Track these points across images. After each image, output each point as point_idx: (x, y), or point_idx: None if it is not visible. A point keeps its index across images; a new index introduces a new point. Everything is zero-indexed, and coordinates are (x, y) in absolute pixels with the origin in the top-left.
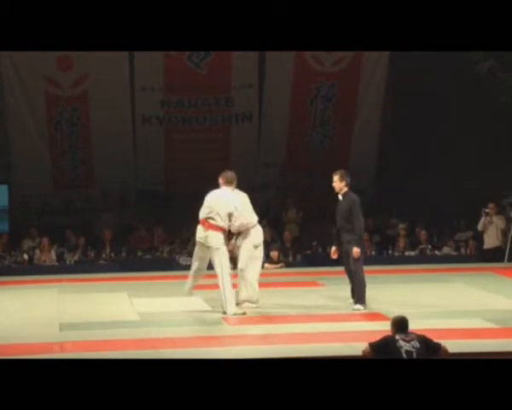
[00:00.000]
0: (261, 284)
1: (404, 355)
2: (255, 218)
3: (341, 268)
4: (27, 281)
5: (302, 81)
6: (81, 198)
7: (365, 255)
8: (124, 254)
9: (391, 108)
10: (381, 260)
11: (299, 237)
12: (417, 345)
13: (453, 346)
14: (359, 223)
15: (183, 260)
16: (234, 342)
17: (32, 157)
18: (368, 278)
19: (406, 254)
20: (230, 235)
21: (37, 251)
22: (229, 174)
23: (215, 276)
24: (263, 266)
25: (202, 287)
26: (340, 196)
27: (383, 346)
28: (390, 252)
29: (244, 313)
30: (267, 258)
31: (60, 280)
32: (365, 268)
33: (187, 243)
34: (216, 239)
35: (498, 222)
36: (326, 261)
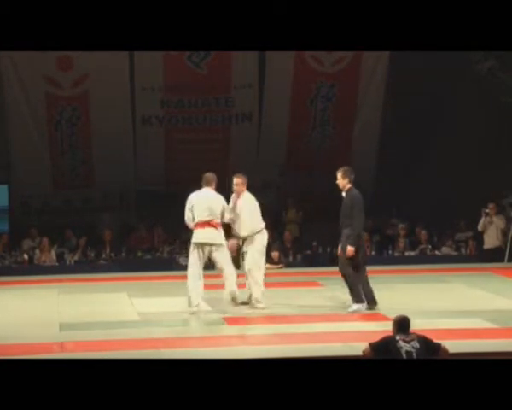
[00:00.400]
0: None
1: (404, 356)
2: (262, 224)
3: None
4: (27, 281)
5: (302, 81)
6: (81, 198)
7: (365, 255)
8: (124, 254)
9: (391, 108)
10: (381, 260)
11: (299, 237)
12: (417, 345)
13: (453, 346)
14: (359, 220)
15: (183, 260)
16: (234, 342)
17: (32, 157)
18: (368, 279)
19: (406, 254)
20: (229, 231)
21: (38, 251)
22: (209, 175)
23: (217, 275)
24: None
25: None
26: (344, 193)
27: (383, 346)
28: (390, 252)
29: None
30: (268, 258)
31: (60, 280)
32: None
33: (187, 243)
34: (221, 236)
35: (498, 222)
36: (326, 261)
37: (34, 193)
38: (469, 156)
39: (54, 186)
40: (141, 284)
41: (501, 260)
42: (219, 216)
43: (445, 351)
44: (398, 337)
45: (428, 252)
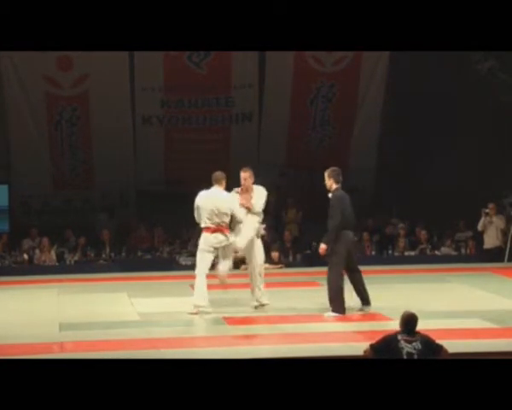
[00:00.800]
0: None
1: (405, 357)
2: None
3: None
4: (27, 281)
5: (302, 81)
6: (81, 198)
7: (365, 255)
8: (124, 254)
9: (391, 108)
10: (381, 260)
11: (299, 237)
12: (419, 346)
13: (453, 346)
14: (335, 220)
15: (183, 261)
16: (234, 342)
17: (31, 157)
18: (368, 278)
19: (406, 254)
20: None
21: (38, 251)
22: (218, 173)
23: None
24: None
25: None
26: (330, 195)
27: (384, 347)
28: (390, 252)
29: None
30: (268, 258)
31: (60, 280)
32: (365, 268)
33: (187, 243)
34: (229, 238)
35: (498, 222)
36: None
37: (34, 193)
38: (469, 156)
39: (54, 186)
40: (141, 284)
41: (501, 260)
42: (227, 217)
43: (446, 352)
44: (400, 337)
45: (428, 252)
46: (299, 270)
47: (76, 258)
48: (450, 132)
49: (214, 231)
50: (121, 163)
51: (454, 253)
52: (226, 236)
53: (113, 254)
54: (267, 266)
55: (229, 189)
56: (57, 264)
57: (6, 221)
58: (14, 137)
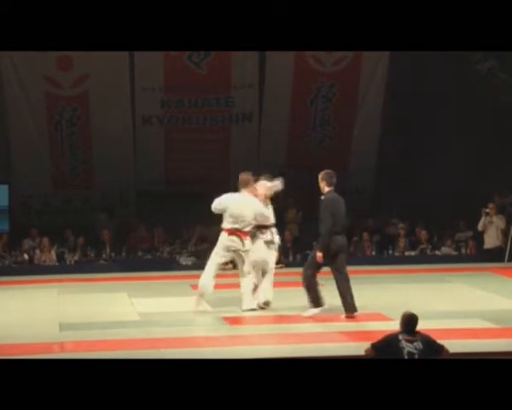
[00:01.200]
0: None
1: (406, 357)
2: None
3: None
4: (27, 281)
5: (302, 81)
6: (81, 198)
7: (365, 255)
8: (124, 254)
9: (391, 108)
10: (381, 260)
11: (299, 237)
12: (420, 346)
13: (453, 346)
14: (326, 224)
15: (183, 261)
16: (234, 342)
17: (32, 157)
18: (368, 278)
19: (406, 254)
20: None
21: (38, 251)
22: (244, 176)
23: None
24: None
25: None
26: (322, 197)
27: (385, 347)
28: (390, 252)
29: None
30: None
31: (60, 280)
32: (366, 268)
33: (187, 243)
34: (248, 243)
35: (498, 222)
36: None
37: (34, 193)
38: (469, 156)
39: (54, 186)
40: (141, 284)
41: (501, 260)
42: (250, 226)
43: (447, 352)
44: (401, 337)
45: (428, 252)
46: (300, 270)
47: (76, 258)
48: (450, 132)
49: (232, 233)
50: (121, 163)
51: (454, 253)
52: (243, 241)
53: (113, 255)
54: None
55: (230, 190)
56: (57, 264)
57: (6, 221)
58: (14, 137)
